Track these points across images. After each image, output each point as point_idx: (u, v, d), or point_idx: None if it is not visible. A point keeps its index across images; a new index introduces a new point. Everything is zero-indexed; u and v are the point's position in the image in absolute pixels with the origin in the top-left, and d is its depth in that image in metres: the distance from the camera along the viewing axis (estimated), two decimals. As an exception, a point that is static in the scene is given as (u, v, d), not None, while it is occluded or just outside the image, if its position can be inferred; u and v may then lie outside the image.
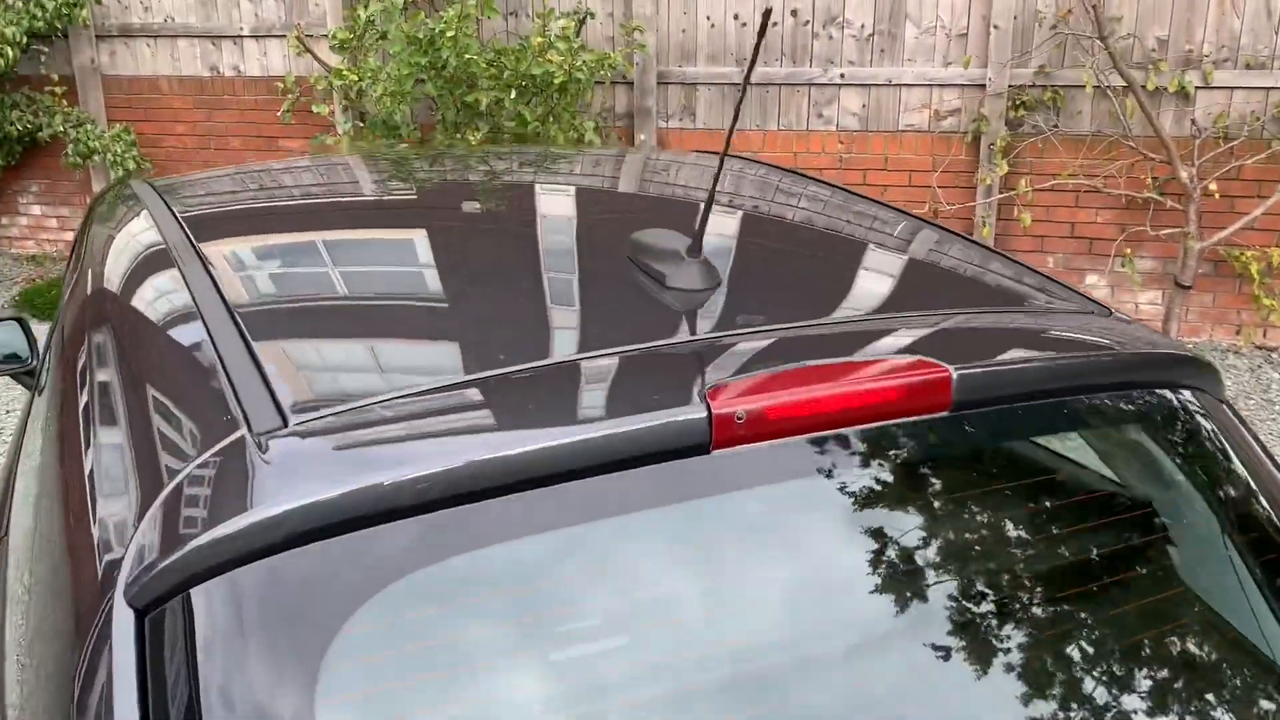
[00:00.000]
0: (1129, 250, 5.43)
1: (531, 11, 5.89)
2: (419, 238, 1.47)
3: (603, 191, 1.86)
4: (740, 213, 1.61)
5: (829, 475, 0.98)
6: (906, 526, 0.99)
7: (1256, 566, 1.13)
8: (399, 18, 4.91)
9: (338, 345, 1.15)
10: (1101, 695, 0.96)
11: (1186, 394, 1.17)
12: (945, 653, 0.95)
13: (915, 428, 1.01)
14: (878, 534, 0.98)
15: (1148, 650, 1.06)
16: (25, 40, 6.14)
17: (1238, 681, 1.04)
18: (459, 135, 5.35)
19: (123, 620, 0.82)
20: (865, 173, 5.77)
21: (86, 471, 1.03)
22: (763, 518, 0.95)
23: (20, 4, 6.16)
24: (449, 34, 4.81)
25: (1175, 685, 1.01)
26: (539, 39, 5.05)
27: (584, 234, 1.52)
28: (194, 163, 6.87)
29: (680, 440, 0.94)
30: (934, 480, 1.03)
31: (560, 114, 5.30)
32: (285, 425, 0.94)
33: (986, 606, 0.97)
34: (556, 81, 4.95)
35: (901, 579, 0.97)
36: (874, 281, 1.36)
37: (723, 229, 1.49)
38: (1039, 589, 1.02)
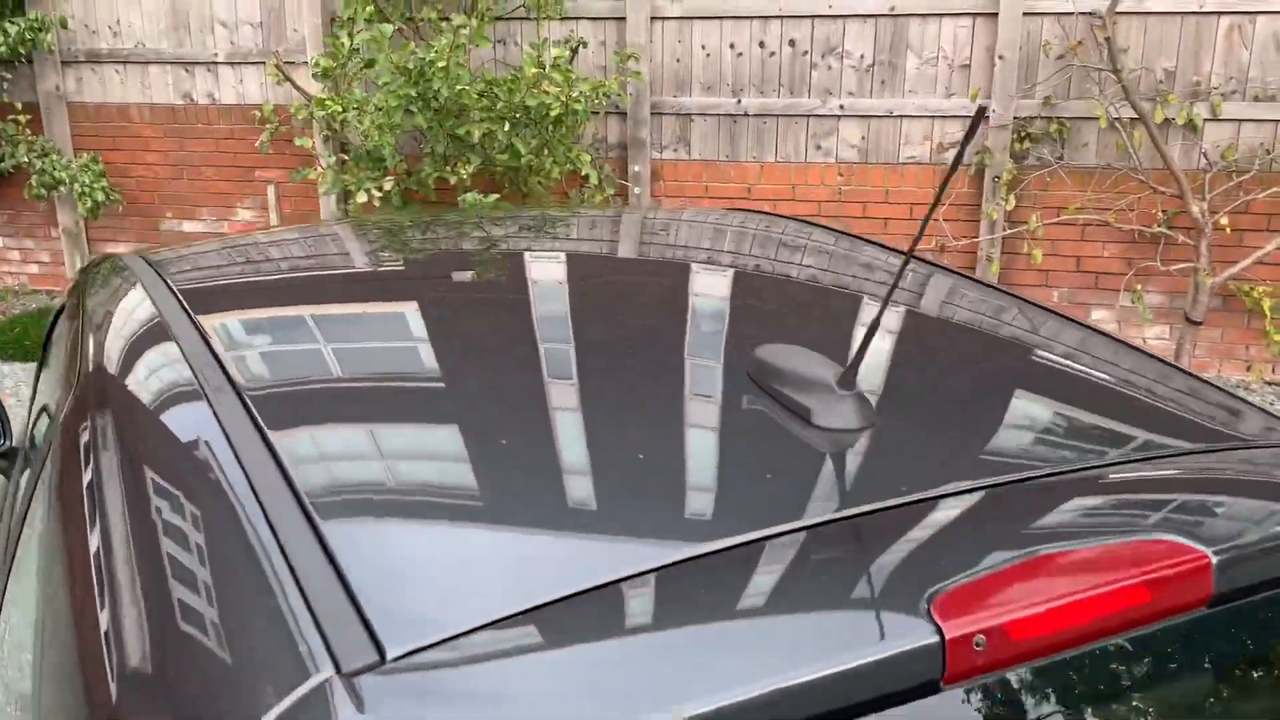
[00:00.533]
0: (1139, 285, 5.31)
1: (520, 39, 5.69)
2: (501, 358, 1.23)
3: (694, 274, 1.60)
4: (870, 315, 1.38)
5: (1058, 700, 0.78)
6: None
7: None
8: (387, 47, 4.68)
9: (431, 522, 0.90)
10: None
11: None
12: None
13: (1156, 631, 0.82)
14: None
15: None
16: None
17: None
18: (449, 168, 5.13)
19: None
20: (865, 205, 5.61)
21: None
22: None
23: (-18, 29, 5.87)
24: (440, 64, 4.60)
25: None
26: (533, 69, 4.85)
27: (689, 342, 1.28)
28: (165, 193, 6.59)
29: (900, 679, 0.72)
30: (1179, 691, 0.83)
31: (555, 146, 5.10)
32: (383, 660, 0.71)
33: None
34: (553, 113, 4.75)
35: None
36: (1056, 414, 1.14)
37: (853, 338, 1.27)
38: None
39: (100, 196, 6.09)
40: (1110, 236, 5.33)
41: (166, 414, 1.10)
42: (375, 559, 0.83)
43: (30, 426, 2.11)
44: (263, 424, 1.02)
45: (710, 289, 1.47)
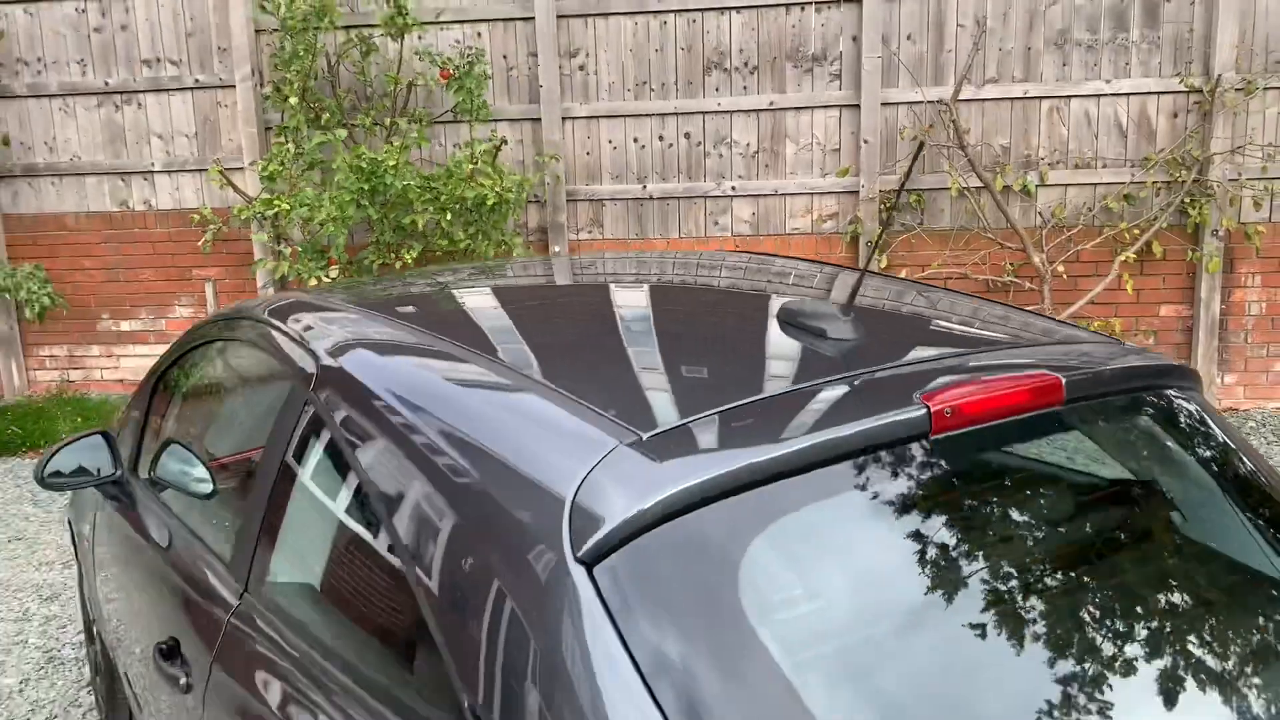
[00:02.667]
0: (995, 328, 6.20)
1: (444, 140, 6.35)
2: (651, 309, 1.93)
3: (730, 281, 2.30)
4: (819, 291, 2.11)
5: (986, 449, 1.45)
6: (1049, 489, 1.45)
7: (1241, 508, 1.63)
8: (341, 149, 5.27)
9: (640, 378, 1.56)
10: (1169, 601, 1.42)
11: (1177, 391, 1.70)
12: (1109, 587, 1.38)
13: (1033, 419, 1.49)
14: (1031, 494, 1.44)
15: (1177, 575, 1.51)
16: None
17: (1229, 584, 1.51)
18: (394, 256, 5.70)
19: (577, 574, 1.19)
20: (760, 272, 6.39)
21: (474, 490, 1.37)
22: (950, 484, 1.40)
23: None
24: (391, 163, 5.21)
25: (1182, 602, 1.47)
26: (470, 165, 5.50)
27: (754, 311, 2.00)
28: (103, 295, 6.94)
29: (910, 431, 1.37)
30: (1054, 458, 1.50)
31: (489, 231, 5.74)
32: (640, 438, 1.32)
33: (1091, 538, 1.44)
34: (489, 202, 5.40)
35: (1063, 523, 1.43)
36: (966, 331, 1.84)
37: (817, 299, 1.96)
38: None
39: (47, 301, 6.42)
40: (968, 287, 6.23)
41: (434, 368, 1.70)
42: (623, 389, 1.49)
43: (153, 455, 2.59)
44: (495, 342, 1.67)
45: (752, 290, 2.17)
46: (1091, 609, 1.35)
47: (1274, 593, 1.52)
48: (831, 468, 1.32)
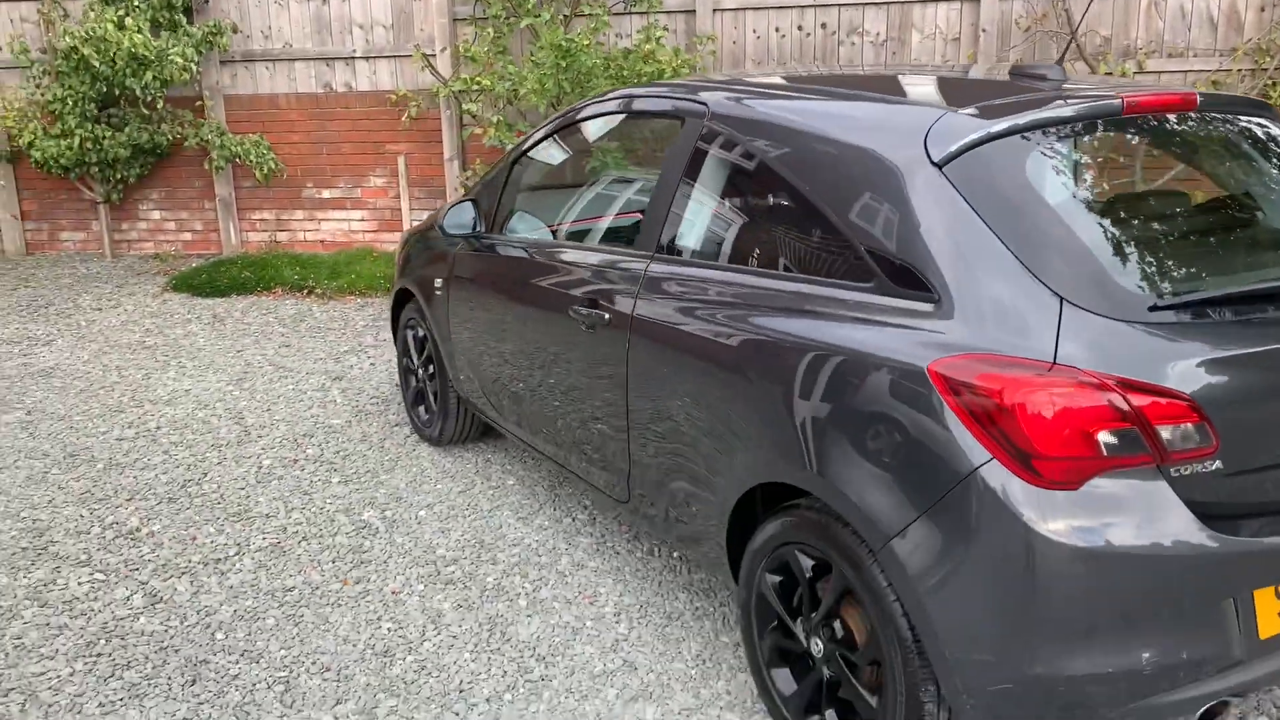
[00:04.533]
0: (1091, 198, 7.10)
1: (609, 31, 7.33)
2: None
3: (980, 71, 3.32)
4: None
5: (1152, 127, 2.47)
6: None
7: None
8: (544, 30, 6.28)
9: (946, 95, 2.60)
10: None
11: (1263, 118, 2.67)
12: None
13: (1179, 117, 2.50)
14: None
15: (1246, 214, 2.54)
16: (196, 60, 7.27)
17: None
18: (578, 124, 6.72)
19: (933, 171, 2.22)
20: (884, 149, 7.32)
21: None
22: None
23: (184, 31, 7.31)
24: (585, 43, 6.21)
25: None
26: (647, 46, 6.49)
27: (989, 71, 2.99)
28: (307, 167, 8.05)
29: (1110, 112, 2.35)
30: (1188, 139, 2.53)
31: (659, 104, 6.73)
32: (958, 110, 2.33)
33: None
34: (666, 76, 6.38)
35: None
36: (1137, 81, 2.82)
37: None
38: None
39: (272, 165, 7.55)
40: (1069, 163, 7.11)
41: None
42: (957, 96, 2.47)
43: (507, 218, 3.68)
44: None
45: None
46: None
47: None
48: (1068, 126, 2.33)
